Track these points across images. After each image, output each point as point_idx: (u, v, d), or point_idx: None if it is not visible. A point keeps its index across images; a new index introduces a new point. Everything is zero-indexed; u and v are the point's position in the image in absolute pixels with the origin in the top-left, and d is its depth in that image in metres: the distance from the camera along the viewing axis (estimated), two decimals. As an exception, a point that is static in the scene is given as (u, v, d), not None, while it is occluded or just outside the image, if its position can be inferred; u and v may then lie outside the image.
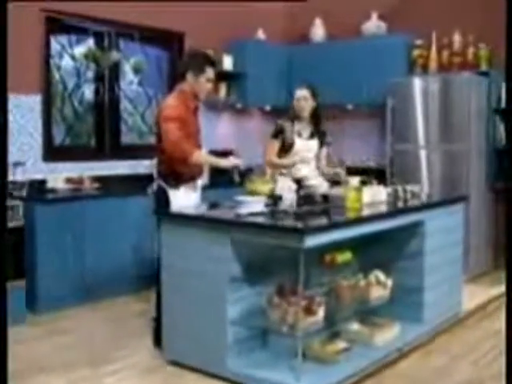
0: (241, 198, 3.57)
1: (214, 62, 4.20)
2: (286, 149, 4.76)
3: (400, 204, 4.21)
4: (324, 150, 4.99)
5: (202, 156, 4.06)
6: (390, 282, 3.96)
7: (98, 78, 6.03)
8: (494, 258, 6.38)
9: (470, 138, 5.92)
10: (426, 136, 6.15)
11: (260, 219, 3.37)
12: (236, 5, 6.96)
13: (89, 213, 5.18)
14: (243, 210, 3.45)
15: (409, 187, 4.50)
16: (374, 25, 6.91)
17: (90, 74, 6.01)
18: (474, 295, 5.24)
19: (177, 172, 4.02)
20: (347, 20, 7.14)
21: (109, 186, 5.77)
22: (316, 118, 4.87)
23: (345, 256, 3.68)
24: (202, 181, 4.32)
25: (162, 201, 4.00)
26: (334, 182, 4.79)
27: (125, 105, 6.31)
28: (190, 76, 4.07)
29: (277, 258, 3.57)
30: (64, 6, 5.51)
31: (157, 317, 4.04)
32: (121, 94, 6.22)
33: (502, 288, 5.55)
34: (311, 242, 3.10)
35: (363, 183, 4.29)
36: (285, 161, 4.75)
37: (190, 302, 3.57)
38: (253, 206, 3.49)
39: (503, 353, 3.99)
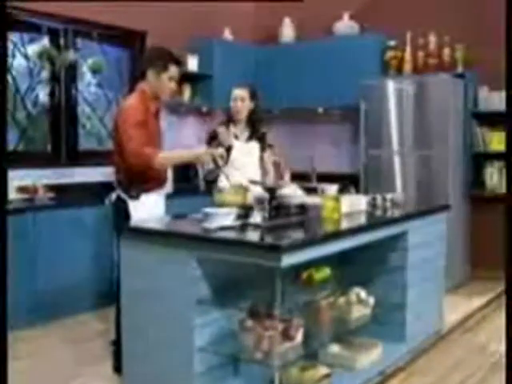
0: (208, 210, 3.21)
1: (178, 60, 3.84)
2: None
3: (379, 213, 3.93)
4: (268, 155, 4.65)
5: (164, 156, 3.66)
6: (371, 300, 3.65)
7: (54, 79, 5.62)
8: (471, 268, 6.15)
9: (446, 142, 5.69)
10: (400, 141, 5.93)
11: (230, 234, 3.01)
12: (201, 4, 6.64)
13: (42, 225, 4.78)
14: (211, 224, 3.09)
15: (388, 195, 4.23)
16: (345, 25, 6.67)
17: (45, 75, 5.59)
18: (454, 308, 4.98)
19: (138, 180, 3.65)
20: (318, 20, 6.91)
21: (65, 195, 5.40)
22: (253, 120, 4.55)
23: (323, 273, 3.36)
24: (165, 190, 3.95)
25: (122, 213, 3.63)
26: (309, 189, 4.49)
27: (82, 108, 5.92)
28: (151, 74, 3.71)
29: (249, 276, 3.22)
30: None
31: (116, 339, 3.67)
32: (78, 97, 5.82)
33: (483, 299, 5.35)
34: (289, 260, 2.76)
35: (340, 191, 4.00)
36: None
37: (153, 327, 3.19)
38: (222, 219, 3.14)
39: (493, 371, 3.76)
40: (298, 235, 3.18)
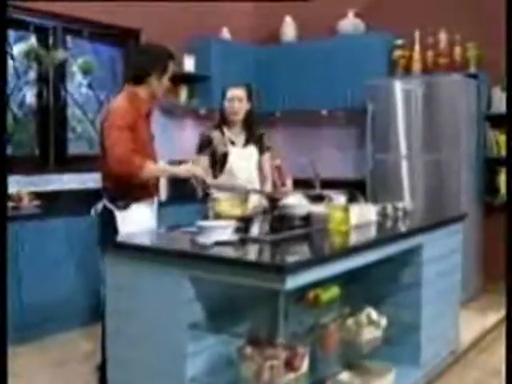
0: (204, 223, 2.88)
1: (172, 55, 3.57)
2: (217, 163, 4.07)
3: (390, 224, 3.61)
4: (267, 158, 4.30)
5: (154, 168, 3.36)
6: (383, 321, 3.31)
7: (42, 80, 5.29)
8: (484, 280, 5.81)
9: (457, 146, 5.39)
10: (408, 144, 5.63)
11: (227, 251, 2.67)
12: (199, 2, 6.34)
13: (27, 235, 4.44)
14: (206, 239, 2.75)
15: (400, 204, 3.91)
16: (350, 23, 6.38)
17: (33, 75, 5.28)
18: (468, 325, 4.62)
19: (126, 189, 3.32)
20: (321, 18, 6.61)
21: (53, 203, 5.08)
22: (249, 122, 4.17)
23: (331, 293, 3.02)
24: (157, 199, 3.62)
25: (108, 225, 3.30)
26: (312, 197, 4.17)
27: (72, 110, 5.60)
28: (153, 79, 3.43)
29: (249, 297, 2.88)
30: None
31: (102, 364, 3.33)
32: (68, 98, 5.50)
33: (497, 315, 5.01)
34: (294, 282, 2.42)
35: (349, 200, 3.68)
36: (226, 184, 4.00)
37: (140, 353, 2.85)
38: (218, 233, 2.80)
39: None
40: (303, 252, 2.85)
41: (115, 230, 3.27)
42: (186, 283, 2.67)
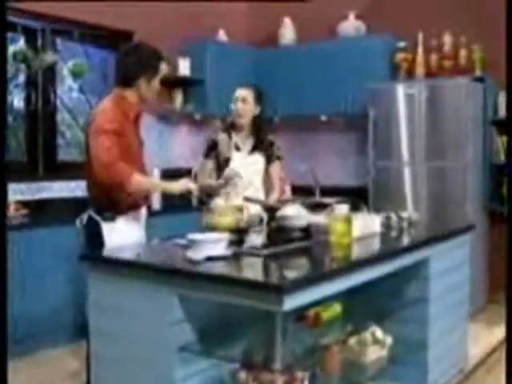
0: (194, 236, 2.66)
1: (162, 56, 3.36)
2: (221, 167, 3.88)
3: (395, 235, 3.41)
4: (276, 167, 4.07)
5: (144, 181, 3.14)
6: (389, 340, 3.09)
7: (30, 84, 5.09)
8: (490, 291, 5.59)
9: (463, 153, 5.19)
10: (411, 151, 5.44)
11: (219, 268, 2.45)
12: (193, 2, 6.16)
13: (14, 246, 4.19)
14: (197, 254, 2.53)
15: (404, 214, 3.70)
16: (351, 25, 6.18)
17: (21, 79, 5.08)
18: (475, 340, 4.40)
19: (113, 199, 3.10)
20: (320, 20, 6.42)
21: (41, 212, 4.86)
22: (257, 126, 3.96)
23: (332, 311, 2.81)
24: (146, 210, 3.40)
25: (94, 237, 3.08)
26: (312, 206, 3.96)
27: (63, 115, 5.39)
28: (142, 82, 3.22)
29: (243, 316, 2.66)
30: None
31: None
32: (57, 103, 5.29)
33: (504, 328, 4.79)
34: (292, 302, 2.20)
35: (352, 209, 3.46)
36: (211, 182, 3.80)
37: (126, 378, 2.63)
38: (211, 247, 2.58)
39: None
40: (303, 268, 2.62)
41: (101, 243, 3.05)
42: (175, 302, 2.45)
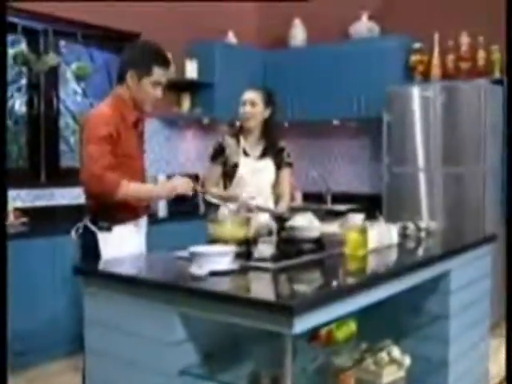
0: (197, 248, 2.46)
1: (166, 61, 3.08)
2: (228, 173, 3.74)
3: (413, 246, 3.21)
4: (286, 174, 3.88)
5: (132, 188, 2.90)
6: (407, 360, 2.88)
7: (32, 87, 4.94)
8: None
9: (481, 158, 5.03)
10: (426, 156, 5.28)
11: (223, 284, 2.25)
12: (201, 3, 6.02)
13: (12, 256, 4.01)
14: (199, 269, 2.33)
15: (423, 224, 3.49)
16: (364, 26, 6.04)
17: (23, 82, 4.93)
18: (494, 356, 4.19)
19: (109, 208, 2.91)
20: (332, 21, 6.30)
21: (42, 220, 4.69)
22: (267, 131, 3.78)
23: (346, 329, 2.60)
24: (146, 219, 3.22)
25: (90, 249, 2.90)
26: (323, 213, 3.79)
27: (66, 120, 5.24)
28: (129, 77, 2.97)
29: (250, 336, 2.45)
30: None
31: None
32: (60, 107, 5.13)
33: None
34: (303, 324, 1.99)
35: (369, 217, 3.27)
36: (223, 193, 3.68)
37: (124, 403, 2.43)
38: (215, 260, 2.38)
39: None
40: (315, 285, 2.40)
41: (97, 254, 2.87)
42: (175, 321, 2.25)
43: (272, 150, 3.80)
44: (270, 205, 3.75)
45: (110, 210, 2.90)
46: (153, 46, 3.13)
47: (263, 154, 3.78)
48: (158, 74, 3.00)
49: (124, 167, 2.88)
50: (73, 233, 3.01)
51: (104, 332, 2.48)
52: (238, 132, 3.79)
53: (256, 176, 3.71)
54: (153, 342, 2.30)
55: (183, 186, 2.95)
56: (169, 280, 2.37)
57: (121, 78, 3.02)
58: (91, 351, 2.56)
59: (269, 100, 3.74)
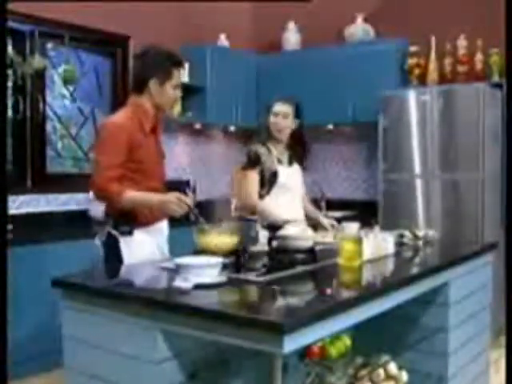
0: (182, 259, 2.32)
1: (181, 62, 3.18)
2: (265, 183, 3.72)
3: (410, 255, 3.11)
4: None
5: (135, 196, 2.91)
6: (404, 375, 2.75)
7: (17, 91, 4.79)
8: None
9: (479, 164, 4.91)
10: (423, 162, 5.17)
11: (209, 299, 2.11)
12: (192, 4, 5.90)
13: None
14: (184, 281, 2.19)
15: (420, 232, 3.38)
16: (359, 29, 5.96)
17: (8, 85, 4.78)
18: (494, 368, 4.09)
19: (128, 213, 2.94)
20: (326, 24, 6.21)
21: (28, 228, 4.55)
22: (300, 142, 3.89)
23: (340, 345, 2.47)
24: (167, 222, 3.24)
25: (113, 254, 2.93)
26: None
27: (53, 124, 5.08)
28: (152, 85, 3.02)
29: (239, 353, 2.32)
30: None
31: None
32: (47, 111, 4.99)
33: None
34: (294, 343, 1.85)
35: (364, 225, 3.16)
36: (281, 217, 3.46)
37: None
38: (201, 272, 2.24)
39: None
40: (307, 300, 2.25)
41: (119, 260, 2.92)
42: (158, 337, 2.11)
43: (295, 156, 3.91)
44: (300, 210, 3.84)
45: (129, 215, 2.94)
46: (164, 50, 3.18)
47: (290, 162, 3.88)
48: (177, 75, 3.09)
49: (139, 174, 2.94)
50: (96, 240, 3.05)
51: (82, 349, 2.34)
52: (266, 141, 3.80)
53: (293, 181, 3.81)
54: (135, 359, 2.16)
55: (176, 208, 2.86)
56: (151, 294, 2.22)
57: (139, 88, 3.07)
58: (69, 369, 2.42)
59: (297, 111, 3.83)
